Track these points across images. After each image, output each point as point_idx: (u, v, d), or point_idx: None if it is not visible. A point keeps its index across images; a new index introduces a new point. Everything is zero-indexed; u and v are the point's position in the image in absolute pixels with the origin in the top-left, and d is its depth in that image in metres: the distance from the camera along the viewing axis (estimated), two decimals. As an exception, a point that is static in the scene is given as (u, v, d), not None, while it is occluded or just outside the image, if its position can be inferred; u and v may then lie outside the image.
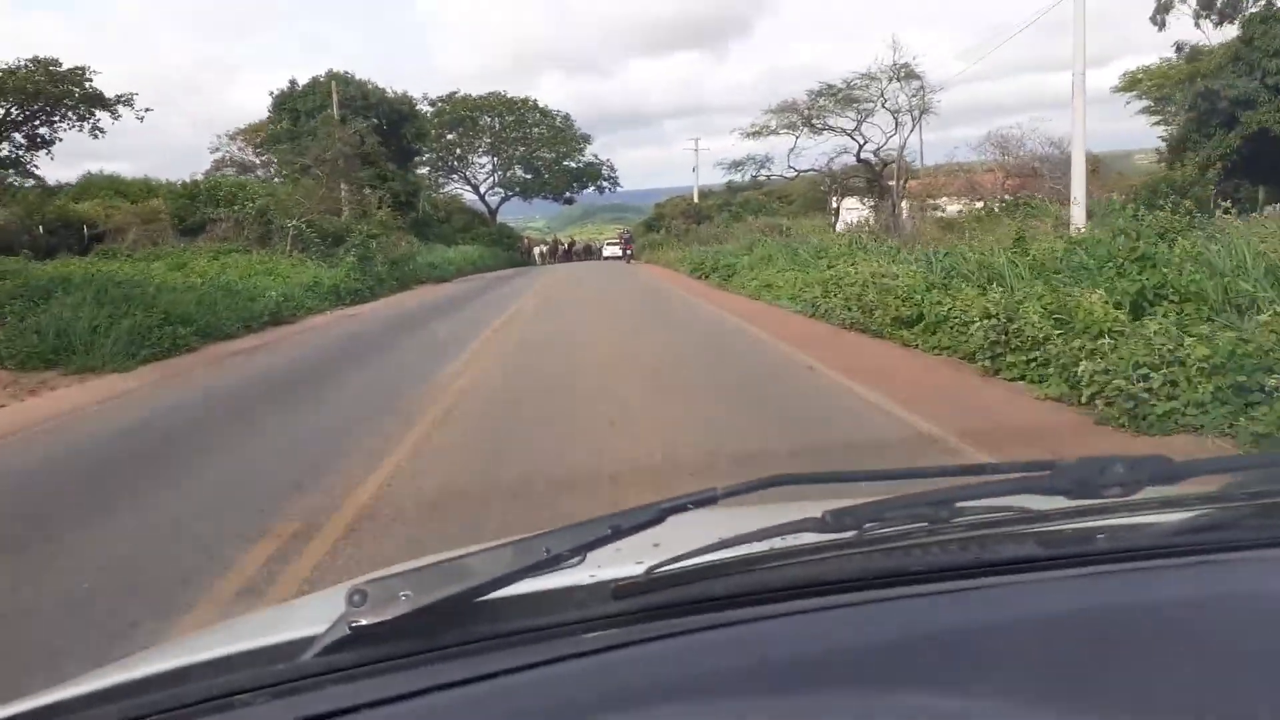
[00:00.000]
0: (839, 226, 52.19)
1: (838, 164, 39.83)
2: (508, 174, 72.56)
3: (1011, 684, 0.92)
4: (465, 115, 69.15)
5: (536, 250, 65.40)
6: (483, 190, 72.84)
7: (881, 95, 35.66)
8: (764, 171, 40.06)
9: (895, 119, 36.26)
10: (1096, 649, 0.98)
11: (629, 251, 59.00)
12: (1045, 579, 1.15)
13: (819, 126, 37.58)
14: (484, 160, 72.44)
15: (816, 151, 41.94)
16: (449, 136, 69.87)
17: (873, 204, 40.11)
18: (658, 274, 35.55)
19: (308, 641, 1.04)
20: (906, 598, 1.10)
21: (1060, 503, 1.19)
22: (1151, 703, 0.90)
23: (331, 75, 53.05)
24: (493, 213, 73.28)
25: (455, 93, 69.38)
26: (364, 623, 0.98)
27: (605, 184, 74.14)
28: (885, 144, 37.47)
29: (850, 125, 37.69)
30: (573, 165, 72.94)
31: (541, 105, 71.11)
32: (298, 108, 52.30)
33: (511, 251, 64.21)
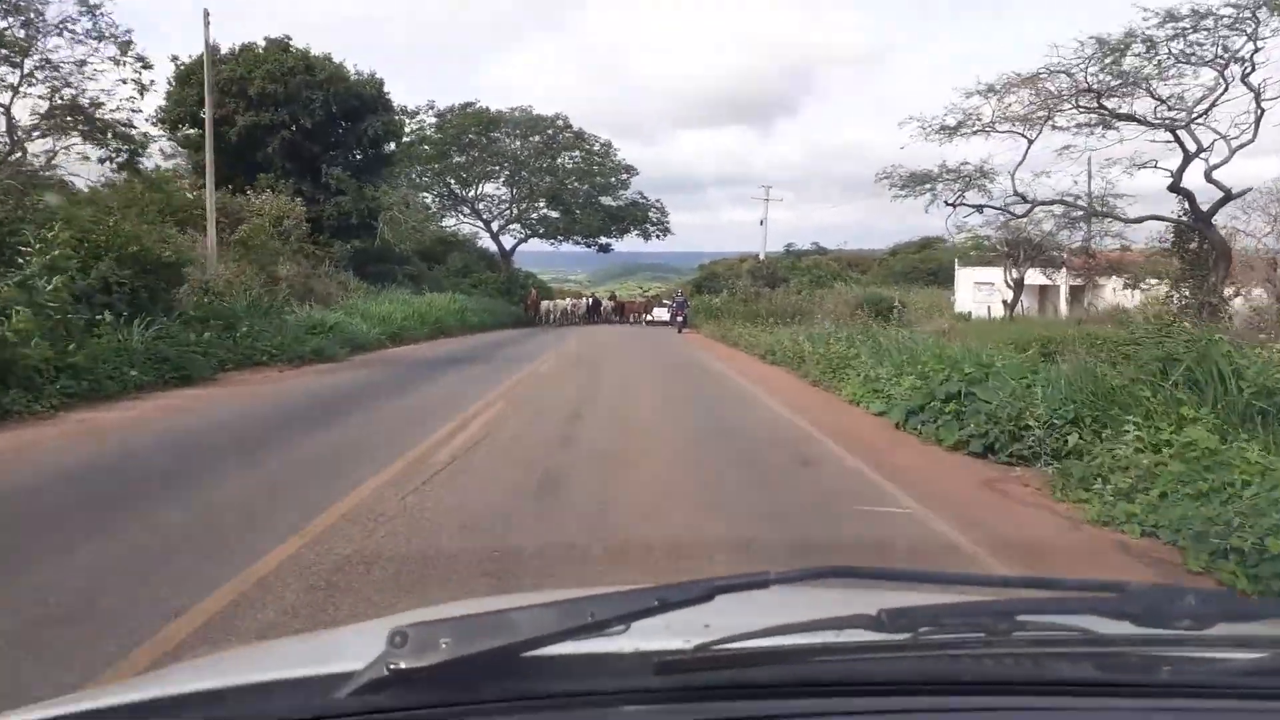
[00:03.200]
0: (1020, 307, 32.06)
1: (1100, 189, 19.28)
2: (524, 208, 52.79)
3: None
4: (479, 135, 49.68)
5: (546, 306, 45.31)
6: (495, 228, 53.15)
7: (1254, 46, 15.34)
8: (971, 192, 19.34)
9: (1258, 102, 15.81)
10: None
11: (682, 318, 38.94)
12: (1102, 706, 1.05)
13: (1103, 115, 17.23)
14: (501, 191, 52.86)
15: (1050, 173, 21.25)
16: (458, 159, 50.46)
17: (1176, 277, 19.64)
18: (780, 393, 14.85)
19: (345, 677, 0.97)
20: (955, 710, 1.02)
21: (1126, 628, 1.08)
22: None
23: (269, 42, 33.87)
24: (506, 255, 53.54)
25: (472, 104, 49.94)
26: (403, 665, 0.92)
27: (654, 229, 54.08)
28: (1225, 160, 16.88)
29: (1150, 112, 17.21)
30: (611, 204, 53.12)
31: (576, 127, 51.33)
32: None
33: (519, 306, 44.28)
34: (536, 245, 57.89)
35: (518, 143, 51.25)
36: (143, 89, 15.77)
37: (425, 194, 50.44)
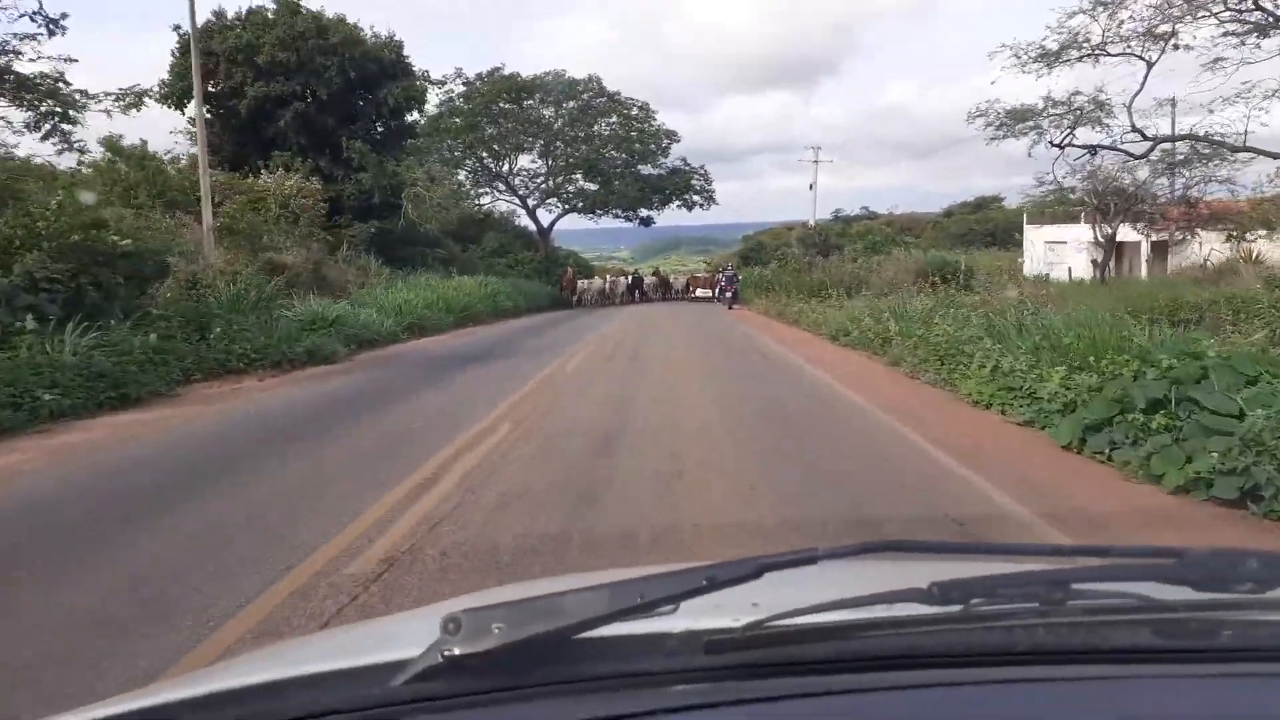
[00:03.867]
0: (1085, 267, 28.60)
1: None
2: (560, 180, 49.61)
3: None
4: (510, 103, 46.61)
5: (583, 286, 42.27)
6: (530, 203, 50.14)
7: None
8: (1082, 129, 15.81)
9: None
10: None
11: (731, 293, 35.75)
12: (1161, 674, 1.03)
13: (1258, 21, 13.66)
14: (536, 163, 49.74)
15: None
16: (489, 131, 47.43)
17: None
18: (873, 391, 11.59)
19: (400, 665, 0.98)
20: (1010, 681, 0.99)
21: (1186, 594, 1.05)
22: None
23: (280, 4, 31.07)
24: (544, 233, 50.60)
25: (499, 69, 46.87)
26: (457, 652, 0.93)
27: (698, 199, 50.55)
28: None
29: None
30: (652, 172, 49.71)
31: (612, 89, 47.98)
32: (215, 49, 30.39)
33: (556, 287, 41.40)
34: (577, 223, 54.82)
35: (550, 110, 48.08)
36: (51, 25, 12.89)
37: (459, 170, 47.70)
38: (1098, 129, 16.18)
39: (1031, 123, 15.88)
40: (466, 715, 0.92)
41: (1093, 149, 16.69)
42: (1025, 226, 45.70)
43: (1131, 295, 18.41)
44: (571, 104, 47.97)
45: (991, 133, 16.18)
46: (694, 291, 45.68)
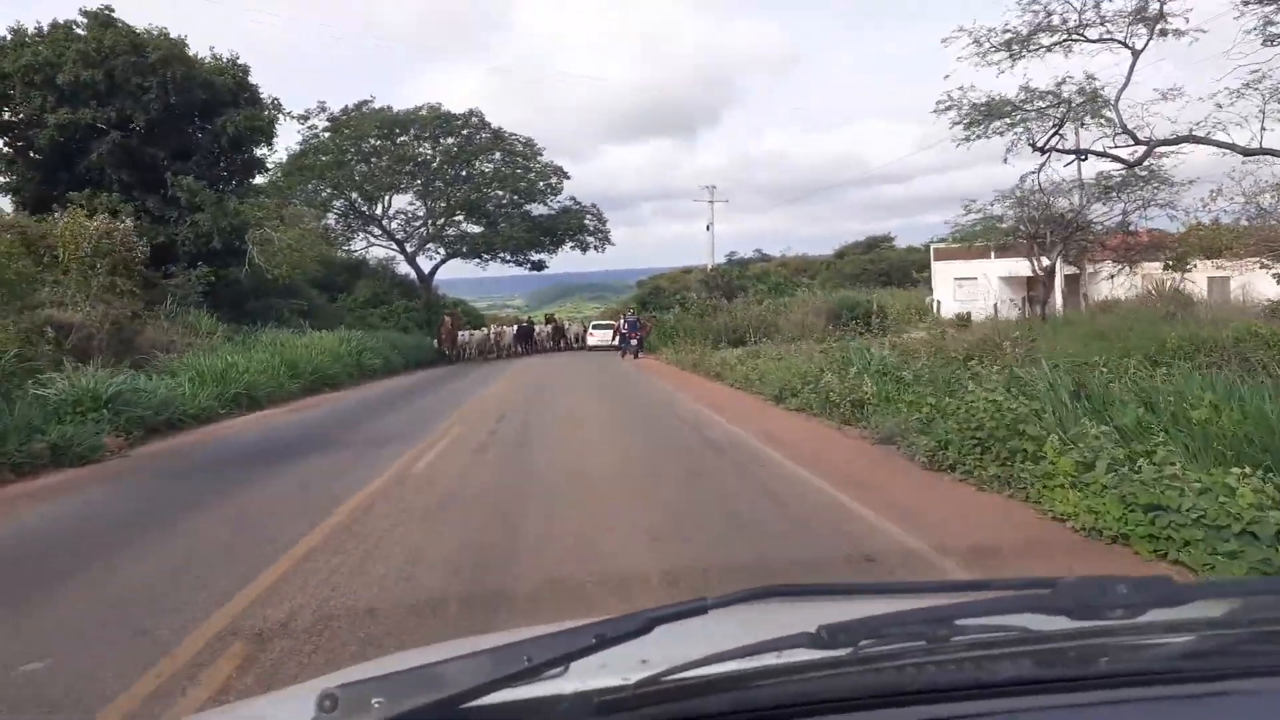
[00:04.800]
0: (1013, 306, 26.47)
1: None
2: (440, 223, 45.25)
3: None
4: (382, 139, 42.32)
5: (464, 338, 37.79)
6: (409, 248, 45.59)
7: None
8: (1075, 119, 12.63)
9: None
10: None
11: (636, 341, 31.95)
12: (1045, 704, 1.05)
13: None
14: (415, 205, 45.42)
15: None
16: (360, 168, 42.91)
17: None
18: (900, 507, 7.62)
19: None
20: None
21: (1062, 623, 1.07)
22: None
23: (88, 17, 26.01)
24: (425, 280, 46.01)
25: (367, 102, 42.57)
26: None
27: (592, 240, 46.86)
28: None
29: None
30: (541, 212, 45.90)
31: (494, 125, 44.14)
32: (6, 69, 25.16)
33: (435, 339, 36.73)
34: (464, 270, 50.72)
35: (427, 147, 43.82)
36: None
37: (328, 212, 42.84)
38: (1088, 127, 13.10)
39: (1014, 118, 12.71)
40: None
41: (1081, 154, 13.64)
42: (933, 263, 43.63)
43: (1113, 333, 15.39)
44: (450, 140, 43.89)
45: (961, 131, 13.02)
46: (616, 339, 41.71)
